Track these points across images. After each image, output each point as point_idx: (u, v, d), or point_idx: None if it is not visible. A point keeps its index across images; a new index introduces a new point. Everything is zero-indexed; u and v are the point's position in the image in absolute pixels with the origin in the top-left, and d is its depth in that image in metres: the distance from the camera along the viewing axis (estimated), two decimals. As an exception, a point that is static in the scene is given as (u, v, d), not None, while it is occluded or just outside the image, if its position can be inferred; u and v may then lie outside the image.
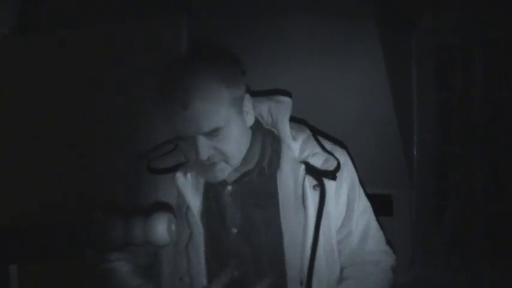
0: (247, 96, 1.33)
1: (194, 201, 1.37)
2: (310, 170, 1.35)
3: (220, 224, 1.38)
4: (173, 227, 1.14)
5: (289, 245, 1.35)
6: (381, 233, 1.49)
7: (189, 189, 1.38)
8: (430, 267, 2.19)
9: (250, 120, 1.35)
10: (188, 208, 1.36)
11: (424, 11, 2.12)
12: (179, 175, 1.37)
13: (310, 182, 1.35)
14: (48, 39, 2.13)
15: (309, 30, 2.01)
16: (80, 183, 1.99)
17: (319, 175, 1.35)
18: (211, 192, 1.39)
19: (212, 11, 2.06)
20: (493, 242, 2.19)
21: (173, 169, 1.38)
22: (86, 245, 1.05)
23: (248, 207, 1.37)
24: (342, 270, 1.44)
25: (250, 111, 1.34)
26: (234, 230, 1.37)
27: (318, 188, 1.34)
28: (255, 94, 1.42)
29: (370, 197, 1.49)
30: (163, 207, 1.27)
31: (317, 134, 1.44)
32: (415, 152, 2.21)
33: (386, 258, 1.49)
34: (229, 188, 1.38)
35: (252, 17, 2.04)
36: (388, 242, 1.51)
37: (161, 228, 1.10)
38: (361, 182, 1.47)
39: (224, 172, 1.31)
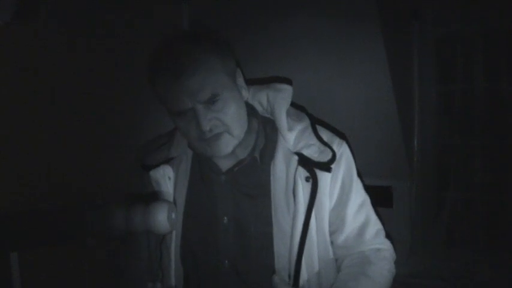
0: (239, 71, 1.33)
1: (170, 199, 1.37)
2: (304, 161, 1.32)
3: (211, 212, 1.38)
4: (173, 215, 1.14)
5: (278, 237, 1.33)
6: (379, 226, 1.44)
7: (167, 186, 1.38)
8: (429, 259, 2.19)
9: (245, 95, 1.35)
10: None
11: (426, 2, 2.11)
12: (153, 173, 1.38)
13: (302, 173, 1.31)
14: (49, 26, 2.13)
15: (310, 23, 2.00)
16: (82, 171, 1.99)
17: (312, 167, 1.32)
18: (203, 182, 1.39)
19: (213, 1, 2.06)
20: (491, 233, 2.19)
21: (161, 164, 1.39)
22: (87, 232, 1.05)
23: (240, 196, 1.36)
24: (339, 261, 1.42)
25: (244, 86, 1.34)
26: (225, 219, 1.37)
27: (309, 180, 1.31)
28: (255, 82, 1.41)
29: (368, 190, 1.45)
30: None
31: (317, 123, 1.41)
32: (415, 144, 2.21)
33: (386, 248, 1.44)
34: (223, 176, 1.37)
35: (254, 9, 2.03)
36: (388, 236, 1.47)
37: (161, 216, 1.11)
38: (359, 175, 1.42)
39: (229, 145, 1.29)
